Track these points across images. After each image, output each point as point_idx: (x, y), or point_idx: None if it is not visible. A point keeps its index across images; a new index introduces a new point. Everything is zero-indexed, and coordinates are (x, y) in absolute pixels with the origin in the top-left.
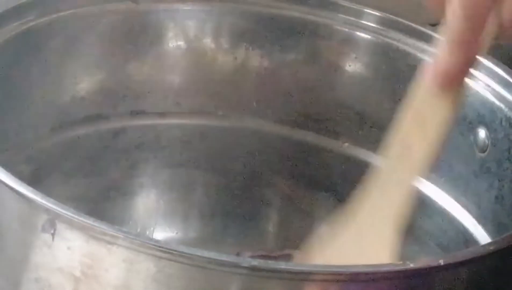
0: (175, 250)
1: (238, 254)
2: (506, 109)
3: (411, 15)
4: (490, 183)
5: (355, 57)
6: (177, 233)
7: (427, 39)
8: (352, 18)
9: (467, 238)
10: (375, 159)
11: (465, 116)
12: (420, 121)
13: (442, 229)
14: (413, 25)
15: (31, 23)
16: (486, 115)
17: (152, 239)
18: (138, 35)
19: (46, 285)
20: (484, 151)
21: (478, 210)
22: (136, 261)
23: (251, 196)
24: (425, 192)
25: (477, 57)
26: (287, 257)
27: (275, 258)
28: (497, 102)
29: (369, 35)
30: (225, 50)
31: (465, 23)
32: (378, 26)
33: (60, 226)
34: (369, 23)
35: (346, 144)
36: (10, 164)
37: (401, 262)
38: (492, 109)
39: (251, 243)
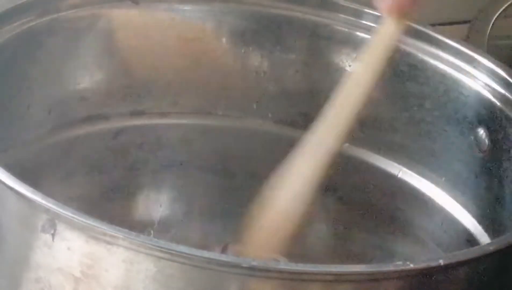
0: (175, 250)
1: (225, 247)
2: (506, 109)
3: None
4: (490, 183)
5: (355, 57)
6: (177, 233)
7: (427, 39)
8: (352, 18)
9: (467, 238)
10: (375, 159)
11: (465, 116)
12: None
13: (442, 229)
14: (413, 25)
15: (31, 23)
16: (486, 115)
17: (152, 239)
18: (138, 35)
19: (46, 285)
20: (484, 151)
21: (478, 210)
22: (136, 261)
23: (251, 196)
24: (425, 192)
25: (477, 56)
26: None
27: None
28: (497, 102)
29: (369, 35)
30: (225, 50)
31: None
32: (378, 26)
33: (60, 226)
34: (369, 23)
35: (346, 144)
36: (10, 164)
37: (401, 262)
38: (492, 109)
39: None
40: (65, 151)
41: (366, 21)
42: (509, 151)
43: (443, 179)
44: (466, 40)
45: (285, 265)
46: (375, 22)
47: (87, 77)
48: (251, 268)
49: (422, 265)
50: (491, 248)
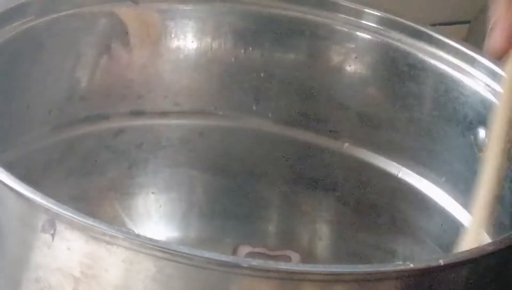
0: (175, 250)
1: (236, 249)
2: None
3: (411, 15)
4: None
5: (355, 57)
6: (177, 233)
7: (427, 39)
8: (352, 18)
9: None
10: (375, 159)
11: (465, 116)
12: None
13: (442, 229)
14: (413, 25)
15: (31, 23)
16: (486, 115)
17: (151, 239)
18: (138, 35)
19: (46, 285)
20: (484, 151)
21: None
22: (135, 261)
23: (251, 196)
24: (425, 192)
25: (477, 56)
26: (286, 259)
27: (273, 258)
28: (497, 102)
29: (369, 35)
30: (225, 50)
31: None
32: (378, 26)
33: (60, 226)
34: (369, 23)
35: (346, 144)
36: (10, 164)
37: (401, 262)
38: (492, 109)
39: (251, 243)
40: (65, 151)
41: (366, 21)
42: (509, 151)
43: (443, 179)
44: (466, 40)
45: (285, 265)
46: (375, 22)
47: (87, 77)
48: (251, 268)
49: (422, 265)
50: (491, 248)
